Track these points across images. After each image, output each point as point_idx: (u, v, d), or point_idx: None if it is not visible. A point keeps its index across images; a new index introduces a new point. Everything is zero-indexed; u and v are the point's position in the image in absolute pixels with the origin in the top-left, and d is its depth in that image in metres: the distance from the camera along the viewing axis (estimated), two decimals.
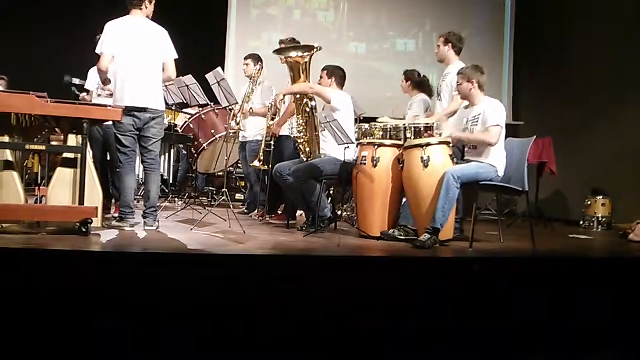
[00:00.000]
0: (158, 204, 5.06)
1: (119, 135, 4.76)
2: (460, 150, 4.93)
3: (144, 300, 3.27)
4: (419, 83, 6.28)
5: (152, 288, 3.32)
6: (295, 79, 5.22)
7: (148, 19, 4.84)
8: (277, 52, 5.41)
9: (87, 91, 5.86)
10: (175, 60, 4.93)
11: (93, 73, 5.73)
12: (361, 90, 8.19)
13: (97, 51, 4.74)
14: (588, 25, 7.80)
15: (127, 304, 3.25)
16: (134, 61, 4.73)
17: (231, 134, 6.27)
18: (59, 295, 3.21)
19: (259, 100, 6.34)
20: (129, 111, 4.69)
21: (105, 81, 4.98)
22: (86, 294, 3.23)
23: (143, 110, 4.75)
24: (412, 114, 5.93)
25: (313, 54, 5.13)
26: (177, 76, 5.57)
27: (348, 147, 4.93)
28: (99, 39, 4.83)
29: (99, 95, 5.63)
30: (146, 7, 4.82)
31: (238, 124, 6.17)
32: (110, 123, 4.84)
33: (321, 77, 5.44)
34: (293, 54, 5.20)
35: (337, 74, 5.41)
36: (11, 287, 3.19)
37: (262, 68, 6.33)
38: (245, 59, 6.58)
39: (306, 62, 5.16)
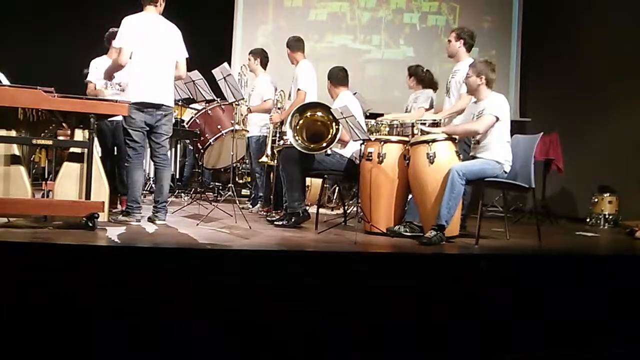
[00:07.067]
0: None
1: (129, 130, 4.79)
2: (467, 145, 4.92)
3: (150, 295, 3.28)
4: (423, 78, 6.27)
5: (159, 282, 3.33)
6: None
7: (161, 16, 4.89)
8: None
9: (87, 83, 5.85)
10: (186, 59, 4.99)
11: (96, 64, 5.73)
12: (366, 85, 8.25)
13: (115, 45, 4.76)
14: (596, 19, 7.76)
15: (132, 298, 3.26)
16: (151, 58, 4.77)
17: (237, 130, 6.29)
18: (66, 289, 3.22)
19: (257, 95, 6.42)
20: (143, 107, 4.74)
21: (111, 76, 5.00)
22: (93, 288, 3.25)
23: (157, 106, 4.80)
24: (417, 107, 5.93)
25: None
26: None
27: (363, 143, 4.92)
28: (111, 31, 4.83)
29: (106, 88, 5.64)
30: (160, 5, 4.88)
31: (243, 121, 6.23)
32: (120, 118, 4.86)
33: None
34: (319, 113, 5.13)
35: (341, 77, 5.47)
36: (17, 280, 3.21)
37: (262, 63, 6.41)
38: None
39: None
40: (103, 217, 4.40)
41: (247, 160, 7.16)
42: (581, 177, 7.47)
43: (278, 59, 6.87)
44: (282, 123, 6.06)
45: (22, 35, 8.06)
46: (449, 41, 5.39)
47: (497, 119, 4.57)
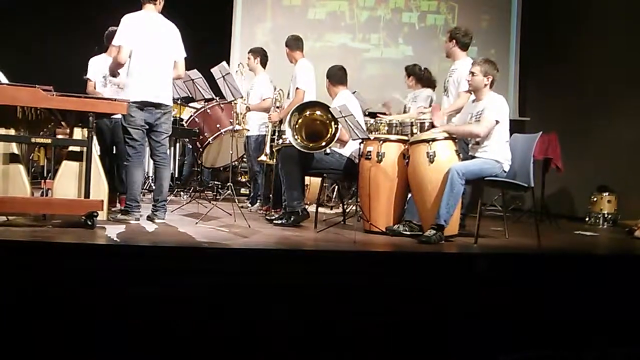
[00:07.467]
0: None
1: (129, 129, 4.78)
2: (466, 144, 4.92)
3: (149, 294, 3.28)
4: (421, 77, 6.27)
5: (158, 281, 3.33)
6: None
7: (160, 14, 4.89)
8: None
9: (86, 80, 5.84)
10: (185, 58, 5.00)
11: (94, 62, 5.72)
12: (365, 84, 8.24)
13: (115, 43, 4.75)
14: (595, 19, 7.76)
15: (131, 297, 3.26)
16: (150, 57, 4.78)
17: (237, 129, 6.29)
18: (64, 288, 3.22)
19: (257, 94, 6.40)
20: (143, 106, 4.74)
21: (115, 73, 5.00)
22: (92, 287, 3.24)
23: (157, 105, 4.80)
24: (417, 107, 5.93)
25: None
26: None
27: (362, 142, 4.91)
28: (110, 30, 4.82)
29: (105, 86, 5.63)
30: (159, 3, 4.89)
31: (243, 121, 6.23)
32: (119, 116, 4.86)
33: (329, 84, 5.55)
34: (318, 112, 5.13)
35: (340, 75, 5.47)
36: (16, 279, 3.20)
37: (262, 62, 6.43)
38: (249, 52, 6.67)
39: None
40: (102, 215, 4.41)
41: (245, 159, 7.15)
42: (580, 176, 7.47)
43: (277, 58, 6.87)
44: (281, 122, 6.06)
45: (22, 34, 8.05)
46: (445, 41, 5.43)
47: (497, 122, 4.57)
